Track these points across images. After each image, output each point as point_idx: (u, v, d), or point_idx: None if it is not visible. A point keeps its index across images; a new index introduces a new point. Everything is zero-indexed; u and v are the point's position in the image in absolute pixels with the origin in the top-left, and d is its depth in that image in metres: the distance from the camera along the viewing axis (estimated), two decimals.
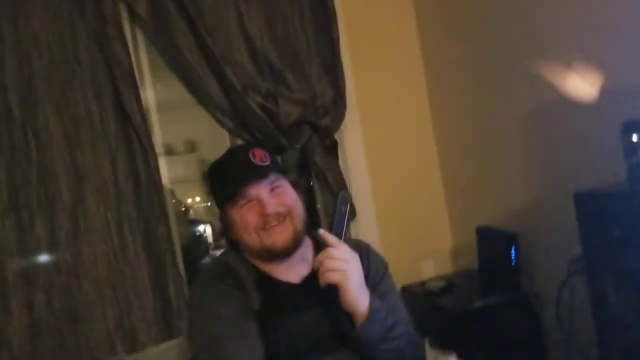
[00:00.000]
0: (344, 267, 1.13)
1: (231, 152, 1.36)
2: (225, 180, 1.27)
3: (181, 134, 4.53)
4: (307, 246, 1.36)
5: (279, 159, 1.37)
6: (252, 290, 1.26)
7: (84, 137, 2.20)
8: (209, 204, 4.69)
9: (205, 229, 4.50)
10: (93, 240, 2.17)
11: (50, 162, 2.14)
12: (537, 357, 2.31)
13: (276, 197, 1.26)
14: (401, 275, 2.66)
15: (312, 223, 1.66)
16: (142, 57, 2.43)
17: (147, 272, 2.24)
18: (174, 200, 2.79)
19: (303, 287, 1.29)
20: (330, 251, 1.14)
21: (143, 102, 2.30)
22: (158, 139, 2.43)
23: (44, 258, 2.12)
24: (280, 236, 1.25)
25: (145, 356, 1.93)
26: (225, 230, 1.35)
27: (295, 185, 1.33)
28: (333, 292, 1.16)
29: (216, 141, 3.22)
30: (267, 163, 1.27)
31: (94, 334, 2.12)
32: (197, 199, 4.91)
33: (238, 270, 1.29)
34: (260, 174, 1.25)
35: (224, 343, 1.17)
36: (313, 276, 1.25)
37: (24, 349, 2.02)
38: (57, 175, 2.14)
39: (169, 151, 3.93)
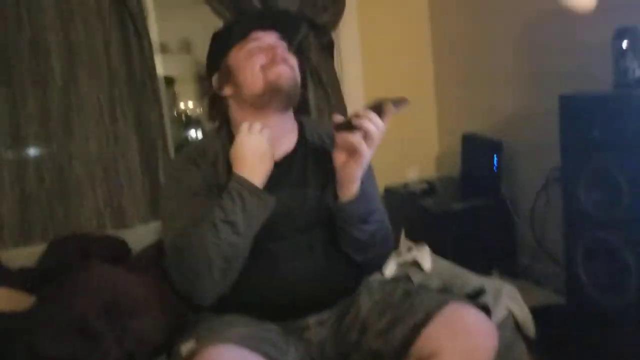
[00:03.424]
0: (375, 146, 1.12)
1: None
2: (240, 22, 1.28)
3: (176, 34, 4.44)
4: (294, 126, 1.33)
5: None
6: (223, 165, 1.23)
7: (76, 11, 2.14)
8: (200, 109, 4.71)
9: (197, 133, 4.58)
10: (85, 119, 2.17)
11: (42, 35, 2.10)
12: (508, 258, 2.43)
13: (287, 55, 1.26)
14: (387, 177, 2.73)
15: (303, 110, 1.67)
16: None
17: (138, 155, 2.27)
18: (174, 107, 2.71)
19: (281, 165, 1.24)
20: (383, 127, 1.11)
21: None
22: (154, 34, 2.39)
23: (35, 133, 2.12)
24: (286, 70, 1.22)
25: (132, 233, 1.98)
26: (215, 98, 1.31)
27: (301, 69, 1.30)
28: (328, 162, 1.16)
29: None
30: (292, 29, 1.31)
31: (84, 209, 2.17)
32: (190, 103, 4.91)
33: (209, 148, 1.27)
34: (282, 25, 1.27)
35: (180, 214, 1.19)
36: (294, 154, 1.28)
37: (14, 217, 2.08)
38: (49, 50, 2.12)
39: (164, 49, 3.86)
